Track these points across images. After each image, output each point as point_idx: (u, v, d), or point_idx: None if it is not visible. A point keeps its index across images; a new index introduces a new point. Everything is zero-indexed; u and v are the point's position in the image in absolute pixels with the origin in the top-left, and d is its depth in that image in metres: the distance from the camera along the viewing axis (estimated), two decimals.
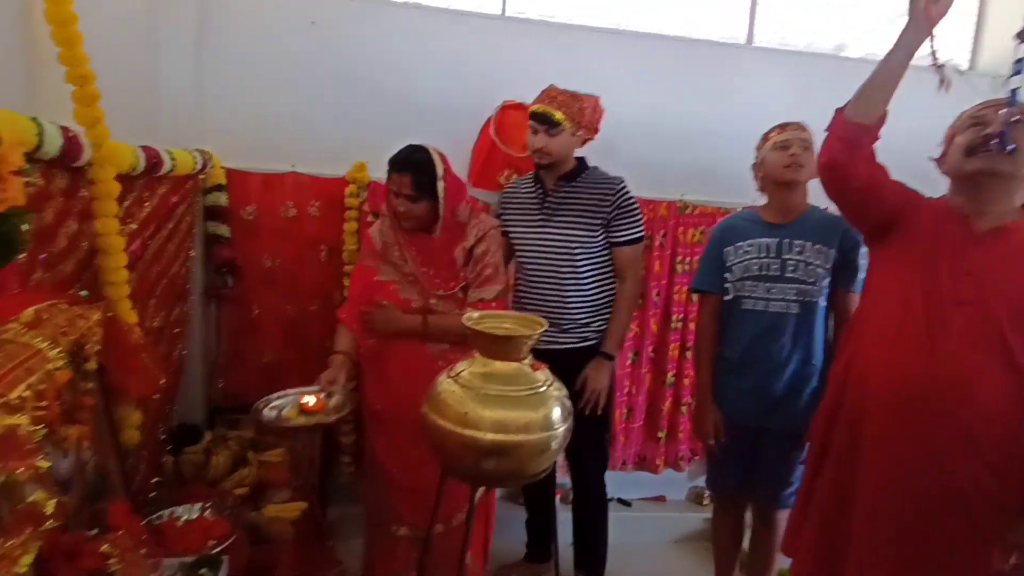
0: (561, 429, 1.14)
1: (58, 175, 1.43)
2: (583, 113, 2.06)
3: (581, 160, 2.18)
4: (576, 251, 2.09)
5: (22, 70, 1.38)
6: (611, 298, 2.17)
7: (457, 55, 2.51)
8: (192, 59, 2.30)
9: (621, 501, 2.79)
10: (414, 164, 1.83)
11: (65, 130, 1.36)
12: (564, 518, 2.46)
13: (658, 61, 2.61)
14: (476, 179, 2.47)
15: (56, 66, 1.41)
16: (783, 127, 1.95)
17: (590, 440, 2.14)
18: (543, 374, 1.18)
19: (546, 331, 2.00)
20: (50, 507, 1.18)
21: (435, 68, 2.50)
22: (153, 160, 1.78)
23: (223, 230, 2.39)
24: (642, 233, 2.16)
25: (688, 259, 2.66)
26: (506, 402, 1.09)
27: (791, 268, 1.92)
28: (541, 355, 1.97)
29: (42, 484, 1.31)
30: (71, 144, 1.38)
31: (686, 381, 2.74)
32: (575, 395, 2.09)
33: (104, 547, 1.30)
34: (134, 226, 1.80)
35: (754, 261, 1.96)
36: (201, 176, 2.31)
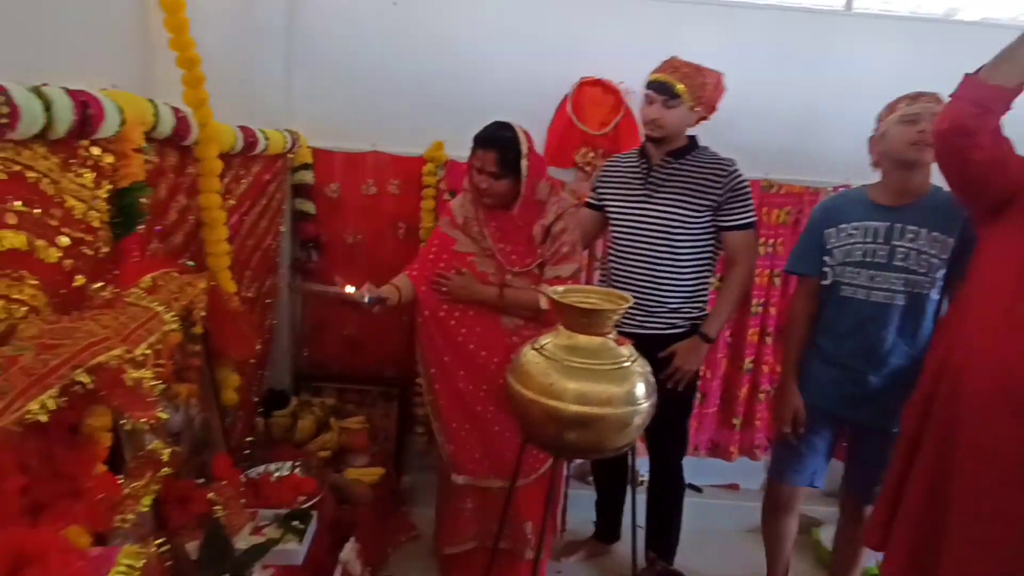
0: (645, 405, 1.13)
1: (170, 153, 1.54)
2: (704, 88, 1.94)
3: (692, 138, 2.06)
4: (676, 232, 2.00)
5: (140, 54, 1.49)
6: (705, 286, 2.09)
7: (535, 32, 2.49)
8: (283, 41, 2.41)
9: (692, 487, 2.74)
10: (500, 141, 1.84)
11: (176, 111, 1.47)
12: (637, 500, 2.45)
13: (746, 32, 2.48)
14: (552, 157, 2.46)
15: (167, 51, 1.52)
16: (915, 97, 1.72)
17: (671, 424, 2.09)
18: (627, 350, 1.18)
19: (632, 314, 2.02)
20: (166, 455, 1.30)
21: (513, 46, 2.49)
22: (250, 139, 1.89)
23: (309, 207, 2.51)
24: (754, 218, 2.04)
25: (772, 241, 2.55)
26: (589, 375, 1.10)
27: (900, 256, 1.76)
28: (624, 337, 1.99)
29: (158, 435, 1.44)
30: (181, 124, 1.49)
31: (765, 368, 2.65)
32: (666, 398, 2.05)
33: (210, 495, 1.42)
34: (232, 202, 1.92)
35: (858, 246, 1.81)
36: (290, 155, 2.43)
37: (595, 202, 2.21)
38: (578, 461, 2.72)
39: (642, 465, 2.64)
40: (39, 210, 1.06)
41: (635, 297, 2.00)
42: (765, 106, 2.46)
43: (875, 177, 1.88)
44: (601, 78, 2.45)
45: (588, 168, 2.45)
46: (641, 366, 1.21)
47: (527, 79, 2.50)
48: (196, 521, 1.37)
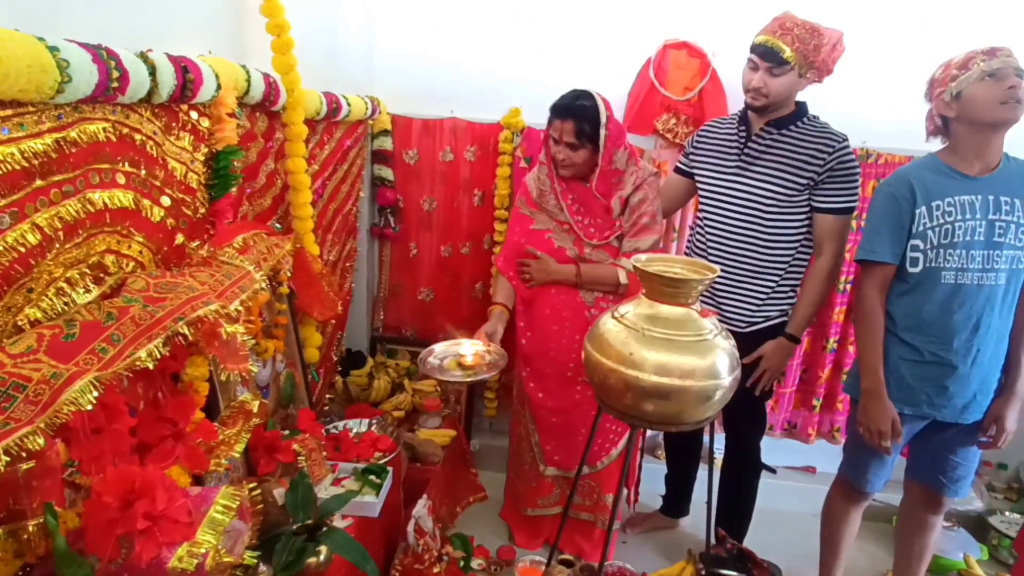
0: (727, 380, 1.09)
1: (260, 118, 1.60)
2: (819, 51, 1.74)
3: (801, 105, 1.85)
4: (768, 209, 1.83)
5: (232, 20, 1.54)
6: (794, 279, 1.92)
7: None
8: (364, 7, 2.42)
9: (766, 467, 2.66)
10: (577, 111, 1.77)
11: (266, 76, 1.51)
12: (706, 477, 2.41)
13: None
14: (631, 123, 2.37)
15: (257, 16, 1.56)
16: (991, 52, 1.54)
17: (751, 404, 2.01)
18: (711, 322, 1.13)
19: (711, 295, 1.94)
20: (255, 406, 1.38)
21: (593, 7, 2.40)
22: (333, 105, 1.92)
23: (387, 173, 2.55)
24: (854, 204, 1.81)
25: (864, 215, 2.36)
26: (671, 346, 1.06)
27: (999, 231, 1.57)
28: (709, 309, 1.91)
29: (249, 387, 1.53)
30: (271, 89, 1.53)
31: (850, 348, 2.50)
32: (746, 378, 1.95)
33: (295, 446, 1.50)
34: (315, 167, 1.98)
35: (958, 224, 1.59)
36: (370, 121, 2.47)
37: (685, 168, 2.07)
38: (650, 434, 2.69)
39: (715, 442, 2.58)
40: (144, 171, 1.12)
41: (723, 281, 1.91)
42: (861, 64, 2.22)
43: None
44: (686, 40, 2.32)
45: (669, 135, 2.34)
46: (725, 338, 1.16)
47: (607, 42, 2.40)
48: (282, 470, 1.45)
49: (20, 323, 0.87)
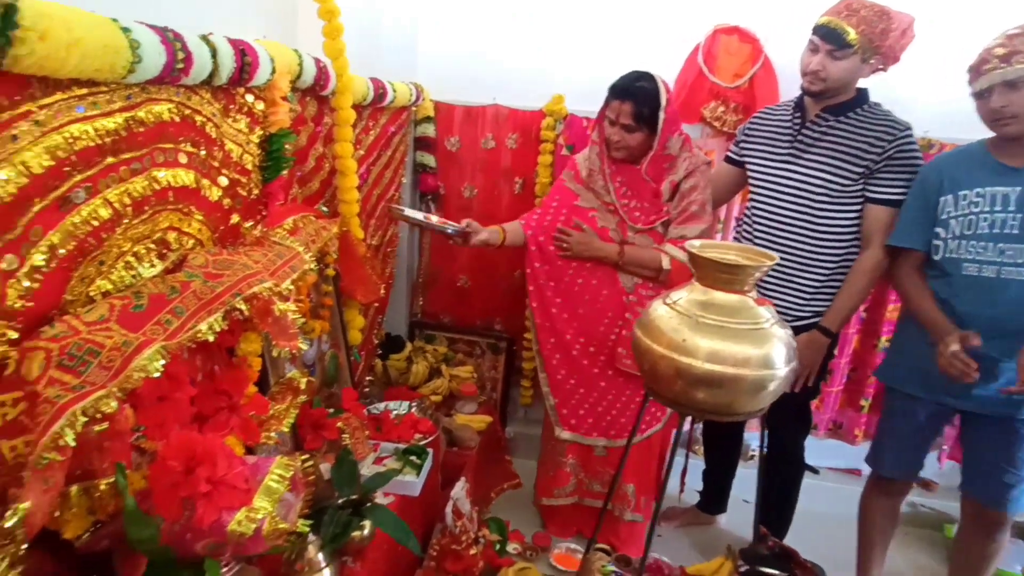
0: (783, 370, 1.07)
1: (310, 102, 1.63)
2: (886, 36, 1.65)
3: (862, 91, 1.77)
4: (820, 199, 1.76)
5: (285, 5, 1.57)
6: (845, 271, 1.84)
7: None
8: None
9: (808, 467, 2.60)
10: (637, 92, 1.74)
11: (317, 61, 1.54)
12: (745, 474, 2.37)
13: None
14: (678, 110, 2.33)
15: (309, 1, 1.58)
16: (983, 61, 1.52)
17: (795, 402, 1.95)
18: (768, 310, 1.11)
19: (767, 295, 1.85)
20: (303, 383, 1.42)
21: None
22: (379, 91, 1.95)
23: (429, 160, 2.57)
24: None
25: None
26: (725, 333, 1.05)
27: None
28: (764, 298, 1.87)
29: (296, 365, 1.57)
30: (322, 74, 1.56)
31: None
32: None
33: (340, 424, 1.54)
34: (361, 152, 2.00)
35: (984, 216, 1.55)
36: (414, 108, 2.49)
37: (735, 157, 2.02)
38: (686, 428, 2.66)
39: (754, 439, 2.54)
40: (204, 152, 1.16)
41: (773, 275, 1.85)
42: (932, 51, 2.13)
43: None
44: (738, 25, 2.26)
45: (717, 123, 2.29)
46: (782, 328, 1.13)
47: (655, 28, 2.36)
48: (327, 446, 1.49)
49: (92, 293, 0.91)
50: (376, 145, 2.14)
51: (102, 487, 0.81)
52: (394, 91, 2.07)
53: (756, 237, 1.91)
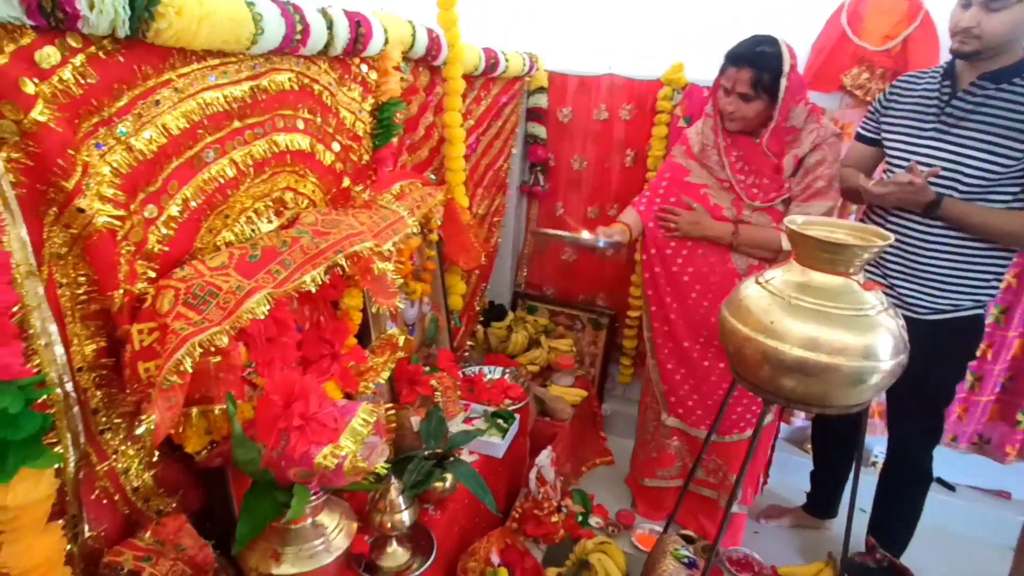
0: (888, 363, 0.95)
1: (422, 72, 1.69)
2: None
3: None
4: (970, 182, 1.52)
5: None
6: (1003, 261, 1.60)
7: None
8: None
9: (941, 482, 2.33)
10: (757, 58, 1.60)
11: (430, 32, 1.59)
12: (864, 480, 2.19)
13: None
14: (813, 78, 2.11)
15: None
16: None
17: (923, 409, 1.77)
18: (876, 296, 0.99)
19: (895, 285, 1.70)
20: (401, 340, 1.51)
21: None
22: (491, 61, 1.97)
23: (540, 131, 2.57)
24: None
25: None
26: (822, 318, 0.96)
27: None
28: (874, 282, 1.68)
29: (397, 323, 1.67)
30: (434, 44, 1.61)
31: None
32: (925, 376, 1.66)
33: (433, 381, 1.62)
34: (471, 122, 2.05)
35: None
36: (527, 78, 2.49)
37: (870, 133, 1.79)
38: (797, 425, 2.50)
39: (877, 444, 2.32)
40: (320, 119, 1.25)
41: (899, 264, 1.67)
42: None
43: None
44: None
45: (859, 92, 2.05)
46: (893, 317, 1.01)
47: None
48: (420, 401, 1.58)
49: (218, 243, 1.03)
50: (487, 115, 2.18)
51: (216, 412, 0.92)
52: (507, 61, 2.08)
53: (887, 219, 1.69)
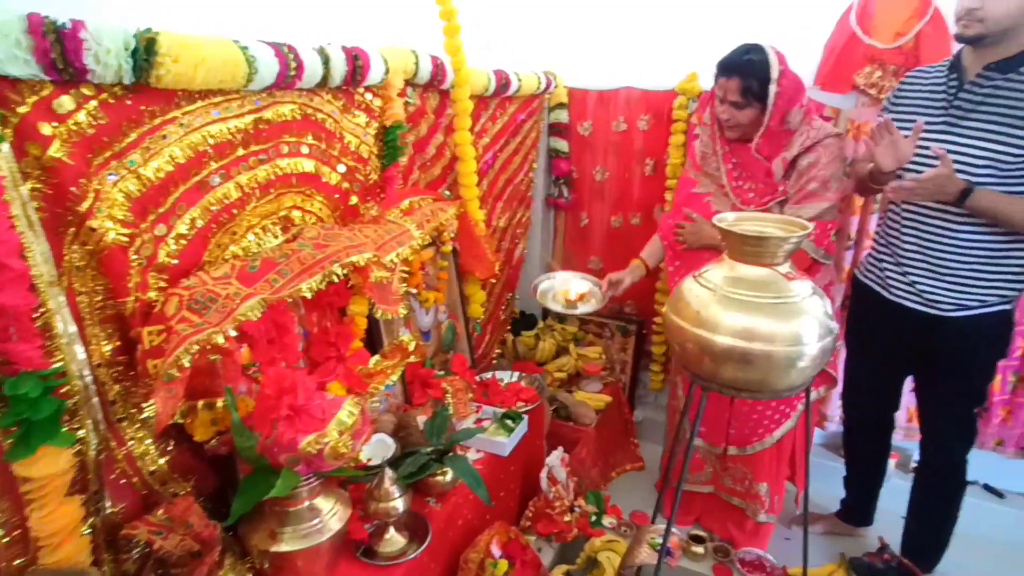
0: (814, 347, 0.98)
1: (431, 96, 1.81)
2: None
3: None
4: (980, 176, 1.47)
5: (415, 8, 1.76)
6: (1018, 255, 1.54)
7: None
8: None
9: (989, 488, 2.20)
10: (744, 67, 1.64)
11: (434, 59, 1.71)
12: (897, 485, 2.10)
13: None
14: (825, 79, 2.09)
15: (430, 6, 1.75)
16: None
17: (953, 411, 1.71)
18: (802, 284, 1.01)
19: (915, 280, 1.67)
20: (412, 345, 1.60)
21: None
22: (502, 82, 2.07)
23: (562, 145, 2.64)
24: None
25: None
26: (750, 308, 0.99)
27: None
28: (897, 311, 1.67)
29: (411, 329, 1.78)
30: (438, 70, 1.72)
31: None
32: (954, 375, 1.66)
33: (444, 384, 1.71)
34: (486, 140, 2.16)
35: None
36: (546, 95, 2.58)
37: None
38: (831, 430, 2.42)
39: (916, 448, 2.21)
40: (324, 144, 1.39)
41: (920, 261, 1.63)
42: None
43: None
44: None
45: (872, 91, 2.01)
46: (818, 303, 1.04)
47: None
48: (430, 402, 1.68)
49: (226, 256, 1.17)
50: (504, 132, 2.28)
51: (219, 404, 1.05)
52: (519, 80, 2.18)
53: (904, 225, 1.64)
